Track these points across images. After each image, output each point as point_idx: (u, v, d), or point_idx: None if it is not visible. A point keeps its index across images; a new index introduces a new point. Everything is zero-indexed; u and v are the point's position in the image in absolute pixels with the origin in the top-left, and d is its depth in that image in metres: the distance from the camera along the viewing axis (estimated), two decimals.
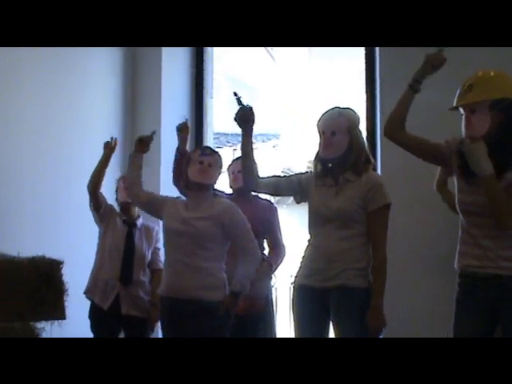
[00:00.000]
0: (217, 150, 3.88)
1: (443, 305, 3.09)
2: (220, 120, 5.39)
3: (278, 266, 3.79)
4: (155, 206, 3.45)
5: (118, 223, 3.89)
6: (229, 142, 8.67)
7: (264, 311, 3.80)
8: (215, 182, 3.36)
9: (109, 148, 3.84)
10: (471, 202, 2.64)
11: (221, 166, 3.37)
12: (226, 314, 3.21)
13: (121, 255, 3.85)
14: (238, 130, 3.39)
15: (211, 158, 3.31)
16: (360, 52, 4.91)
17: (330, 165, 3.02)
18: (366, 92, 4.77)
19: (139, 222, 3.91)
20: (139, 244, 3.88)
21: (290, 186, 3.19)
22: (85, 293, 3.87)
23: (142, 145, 3.47)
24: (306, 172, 3.27)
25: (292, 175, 3.38)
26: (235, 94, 3.16)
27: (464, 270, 2.72)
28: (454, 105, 2.71)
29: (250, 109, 3.09)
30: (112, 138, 3.87)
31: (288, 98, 5.22)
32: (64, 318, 3.27)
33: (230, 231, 3.25)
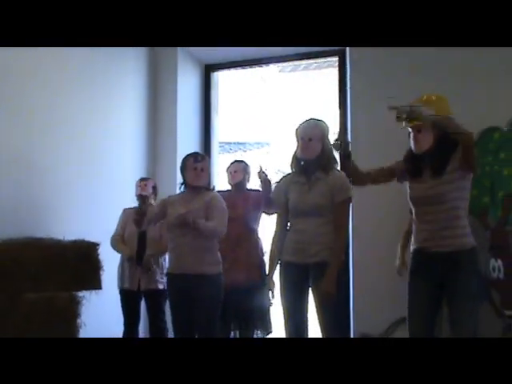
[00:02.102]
0: (220, 155, 3.91)
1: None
2: (224, 131, 5.43)
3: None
4: (163, 215, 3.33)
5: (132, 217, 3.86)
6: (231, 149, 8.68)
7: (259, 279, 3.68)
8: (209, 182, 3.33)
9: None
10: (419, 195, 2.75)
11: (209, 167, 3.34)
12: (219, 285, 3.19)
13: (135, 241, 3.83)
14: (239, 139, 3.43)
15: (203, 163, 3.24)
16: (335, 72, 4.86)
17: (302, 163, 3.04)
18: (340, 107, 4.68)
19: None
20: (152, 230, 3.81)
21: (282, 200, 3.12)
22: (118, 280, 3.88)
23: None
24: (283, 177, 3.26)
25: (278, 187, 3.25)
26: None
27: (417, 249, 2.79)
28: (404, 125, 2.75)
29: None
30: None
31: (276, 113, 5.25)
32: (100, 288, 3.32)
33: (209, 210, 3.17)
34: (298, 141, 3.05)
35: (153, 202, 3.94)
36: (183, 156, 3.38)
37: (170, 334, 3.82)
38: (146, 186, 3.93)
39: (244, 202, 3.62)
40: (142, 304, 3.94)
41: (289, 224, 3.12)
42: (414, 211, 2.79)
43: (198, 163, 3.22)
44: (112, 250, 3.77)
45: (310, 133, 3.01)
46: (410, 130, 2.72)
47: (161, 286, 3.75)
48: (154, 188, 3.97)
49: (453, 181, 2.66)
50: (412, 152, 2.77)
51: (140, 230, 3.80)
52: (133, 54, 4.73)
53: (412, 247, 2.83)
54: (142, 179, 4.03)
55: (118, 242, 3.83)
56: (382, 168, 2.97)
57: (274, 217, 3.24)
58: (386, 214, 3.82)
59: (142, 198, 3.89)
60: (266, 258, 3.86)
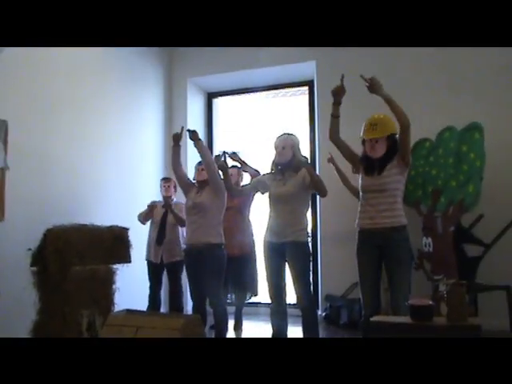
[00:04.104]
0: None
1: None
2: (222, 142, 5.45)
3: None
4: (185, 188, 3.50)
5: (159, 208, 4.03)
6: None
7: (250, 253, 3.99)
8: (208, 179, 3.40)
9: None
10: (369, 185, 2.90)
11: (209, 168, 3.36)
12: (222, 253, 3.31)
13: (158, 227, 3.98)
14: (234, 149, 3.62)
15: (203, 165, 3.42)
16: (306, 98, 4.96)
17: (279, 167, 3.23)
18: (309, 124, 4.79)
19: (173, 204, 3.98)
20: (171, 218, 3.94)
21: (261, 184, 3.33)
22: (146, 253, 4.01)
23: (177, 139, 3.43)
24: (265, 174, 3.40)
25: (260, 177, 3.47)
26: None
27: (362, 228, 2.92)
28: (365, 137, 2.89)
29: None
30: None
31: (262, 128, 5.43)
32: (130, 262, 3.48)
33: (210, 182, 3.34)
34: (275, 150, 3.24)
35: (174, 198, 4.11)
36: (191, 162, 3.66)
37: (183, 302, 4.07)
38: (169, 188, 4.07)
39: (238, 196, 3.78)
40: (164, 273, 4.07)
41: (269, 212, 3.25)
42: (362, 196, 2.95)
43: (199, 165, 3.51)
44: (139, 234, 3.86)
45: (283, 143, 3.18)
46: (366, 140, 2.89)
47: (178, 258, 3.85)
48: (175, 187, 4.08)
49: (392, 175, 2.84)
50: (366, 155, 2.93)
51: (162, 218, 3.98)
52: (155, 90, 5.01)
53: (357, 228, 2.93)
54: (165, 181, 4.11)
55: (141, 214, 4.02)
56: (351, 151, 3.03)
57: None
58: (349, 197, 3.82)
59: (165, 198, 4.08)
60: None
